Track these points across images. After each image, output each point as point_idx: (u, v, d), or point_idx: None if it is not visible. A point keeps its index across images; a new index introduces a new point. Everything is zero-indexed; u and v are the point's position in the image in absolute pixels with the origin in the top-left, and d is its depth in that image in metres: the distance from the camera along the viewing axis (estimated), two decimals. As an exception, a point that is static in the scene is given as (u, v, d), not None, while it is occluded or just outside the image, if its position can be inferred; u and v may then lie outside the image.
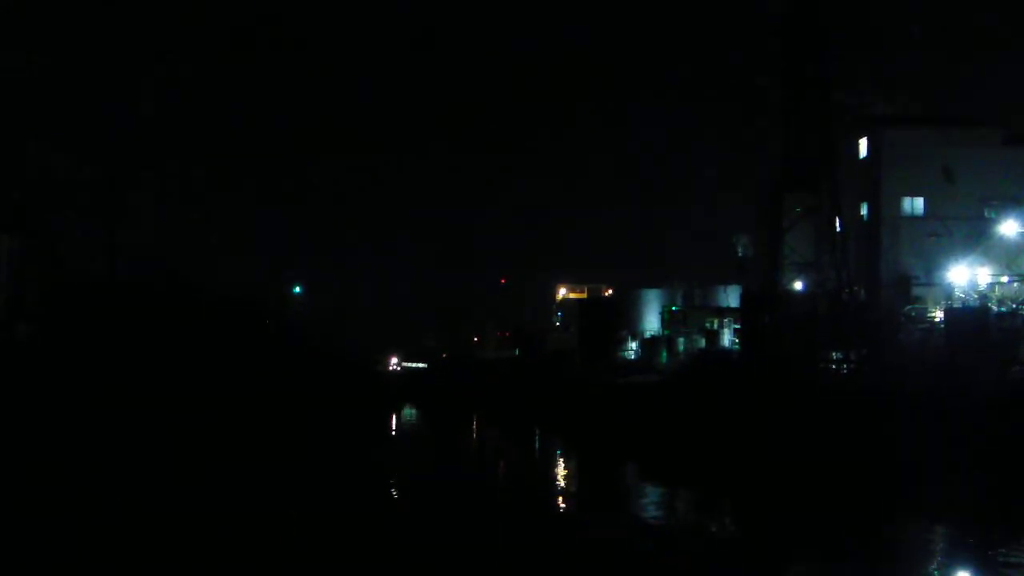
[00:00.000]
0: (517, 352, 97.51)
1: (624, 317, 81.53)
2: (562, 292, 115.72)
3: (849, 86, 61.70)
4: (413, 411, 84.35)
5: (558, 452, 55.59)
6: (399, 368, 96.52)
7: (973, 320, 48.19)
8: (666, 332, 75.85)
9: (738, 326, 63.88)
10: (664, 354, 69.86)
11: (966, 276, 55.21)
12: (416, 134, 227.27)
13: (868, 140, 64.55)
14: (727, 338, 67.63)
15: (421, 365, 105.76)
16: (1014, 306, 49.94)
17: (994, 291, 53.01)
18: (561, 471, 49.25)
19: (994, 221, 59.11)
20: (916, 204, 63.06)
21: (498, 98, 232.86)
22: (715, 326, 70.69)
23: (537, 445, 60.30)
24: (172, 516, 30.64)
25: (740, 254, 75.06)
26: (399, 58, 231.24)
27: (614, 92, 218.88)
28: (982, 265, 55.80)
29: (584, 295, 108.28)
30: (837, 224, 56.24)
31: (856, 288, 57.73)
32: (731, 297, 73.31)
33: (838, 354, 52.59)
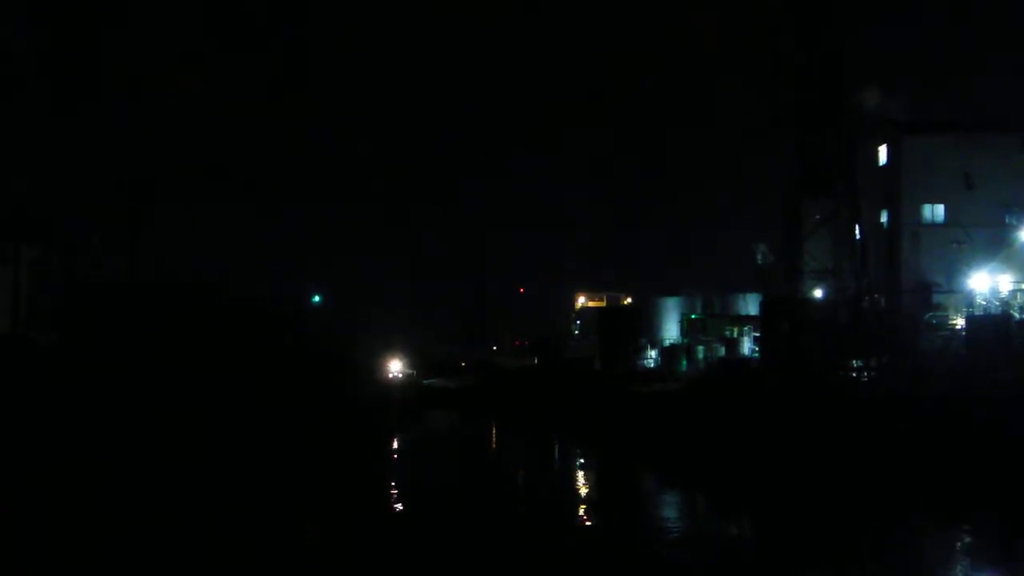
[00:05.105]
0: (536, 360, 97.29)
1: (643, 325, 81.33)
2: (581, 300, 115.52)
3: (869, 90, 61.67)
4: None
5: (580, 459, 55.52)
6: (400, 375, 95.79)
7: (995, 327, 47.97)
8: (685, 340, 75.61)
9: (758, 334, 63.69)
10: (684, 362, 69.64)
11: (987, 283, 55.00)
12: (436, 138, 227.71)
13: (888, 146, 64.43)
14: (747, 346, 67.44)
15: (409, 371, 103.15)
16: (1036, 313, 49.74)
17: (1016, 298, 52.80)
18: (583, 478, 49.20)
19: (1015, 227, 58.93)
20: (936, 211, 62.91)
21: (513, 102, 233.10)
22: (735, 334, 70.50)
23: (559, 452, 60.26)
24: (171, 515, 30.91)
25: (760, 262, 74.85)
26: (418, 61, 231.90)
27: (632, 94, 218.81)
28: (1003, 272, 55.62)
29: (603, 303, 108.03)
30: (857, 231, 56.07)
31: (876, 295, 57.52)
32: (751, 305, 73.08)
33: (858, 361, 52.37)
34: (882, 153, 65.05)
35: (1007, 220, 60.55)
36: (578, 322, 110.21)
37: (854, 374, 51.71)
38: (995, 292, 53.95)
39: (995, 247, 58.69)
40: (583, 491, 44.27)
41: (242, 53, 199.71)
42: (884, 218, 64.71)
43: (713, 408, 49.86)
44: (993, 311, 51.04)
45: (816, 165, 55.65)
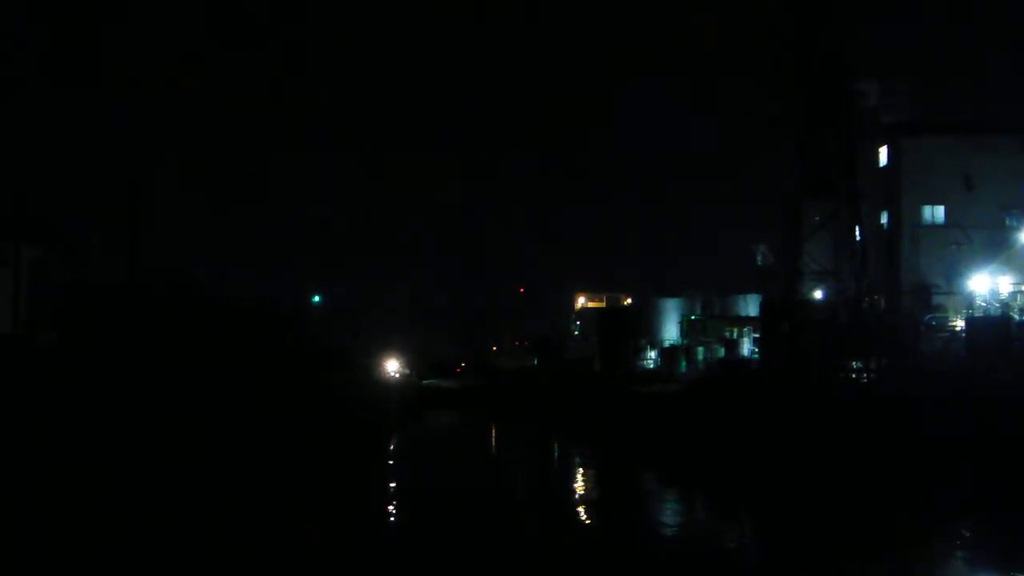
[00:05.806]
0: (536, 361, 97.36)
1: (643, 326, 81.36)
2: (581, 300, 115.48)
3: (869, 90, 61.69)
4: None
5: (580, 459, 55.55)
6: (399, 375, 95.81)
7: (995, 329, 48.02)
8: (685, 341, 75.65)
9: (758, 335, 63.72)
10: (683, 363, 69.69)
11: (987, 284, 55.07)
12: (436, 138, 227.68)
13: (888, 148, 64.49)
14: (747, 347, 67.47)
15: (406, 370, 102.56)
16: (1036, 314, 49.76)
17: (1015, 299, 52.86)
18: (582, 477, 49.23)
19: (1015, 229, 58.97)
20: (936, 212, 62.99)
21: (513, 102, 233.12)
22: (734, 335, 70.55)
23: (559, 452, 60.31)
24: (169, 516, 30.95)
25: (760, 263, 74.90)
26: (418, 61, 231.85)
27: (633, 94, 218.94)
28: (1003, 273, 55.70)
29: (603, 304, 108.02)
30: (857, 232, 56.09)
31: (876, 296, 57.52)
32: (751, 306, 73.14)
33: (858, 362, 52.38)
34: (882, 154, 65.08)
35: (1007, 222, 60.60)
36: (578, 322, 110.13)
37: (854, 375, 51.72)
38: (995, 294, 54.01)
39: (995, 248, 58.74)
40: (583, 491, 44.30)
41: (242, 53, 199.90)
42: (884, 219, 64.74)
43: (713, 409, 49.86)
44: (993, 313, 51.09)
45: (816, 166, 55.65)
